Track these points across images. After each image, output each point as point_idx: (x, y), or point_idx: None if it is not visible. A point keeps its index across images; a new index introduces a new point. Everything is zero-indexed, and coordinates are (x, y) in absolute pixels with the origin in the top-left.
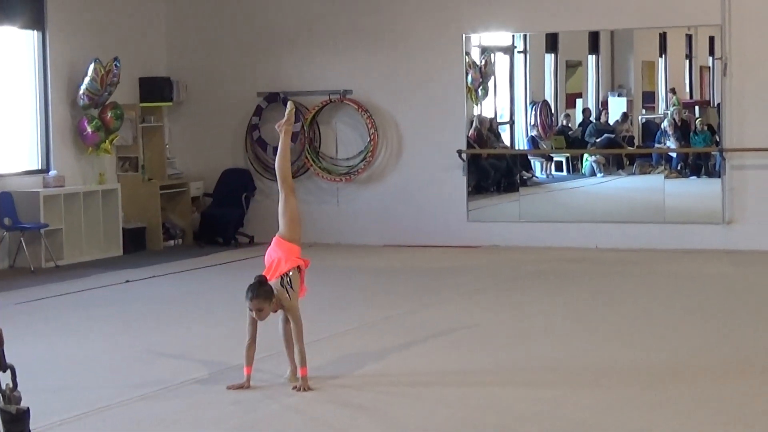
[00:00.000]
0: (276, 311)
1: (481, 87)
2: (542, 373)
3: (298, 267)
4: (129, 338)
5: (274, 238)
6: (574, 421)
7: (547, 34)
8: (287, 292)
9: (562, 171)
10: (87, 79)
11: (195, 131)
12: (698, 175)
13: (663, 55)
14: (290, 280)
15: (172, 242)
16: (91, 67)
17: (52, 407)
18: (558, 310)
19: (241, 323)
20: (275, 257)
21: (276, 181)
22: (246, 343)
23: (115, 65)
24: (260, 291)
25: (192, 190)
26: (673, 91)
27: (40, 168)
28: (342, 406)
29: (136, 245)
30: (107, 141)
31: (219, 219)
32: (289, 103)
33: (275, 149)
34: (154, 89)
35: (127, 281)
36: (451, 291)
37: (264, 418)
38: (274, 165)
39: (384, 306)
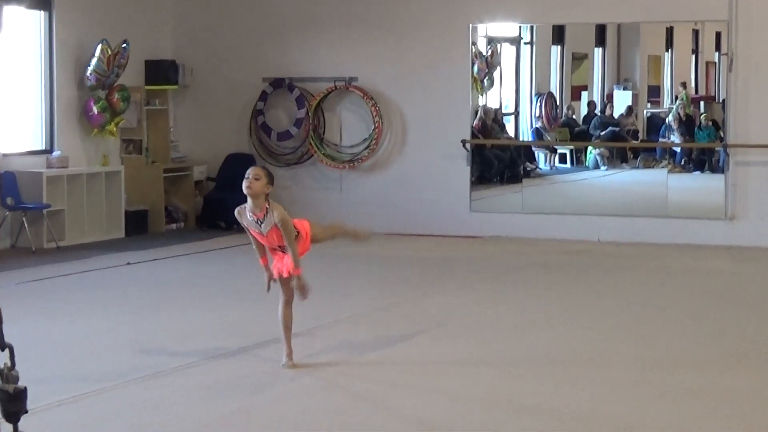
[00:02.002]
0: (264, 211)
1: (486, 77)
2: (542, 364)
3: (298, 232)
4: (128, 321)
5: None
6: (573, 411)
7: (553, 26)
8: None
9: (565, 163)
10: (94, 60)
11: (199, 115)
12: (702, 171)
13: (669, 50)
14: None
15: (174, 225)
16: (99, 48)
17: (50, 388)
18: (558, 301)
19: (238, 309)
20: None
21: (279, 166)
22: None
23: (124, 47)
24: (262, 166)
25: (195, 174)
26: (684, 85)
27: (44, 148)
28: (339, 393)
29: (139, 228)
30: (112, 123)
31: (221, 203)
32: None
33: (279, 135)
34: (160, 72)
35: (129, 263)
36: (453, 281)
37: (260, 403)
38: (277, 152)
39: (385, 294)
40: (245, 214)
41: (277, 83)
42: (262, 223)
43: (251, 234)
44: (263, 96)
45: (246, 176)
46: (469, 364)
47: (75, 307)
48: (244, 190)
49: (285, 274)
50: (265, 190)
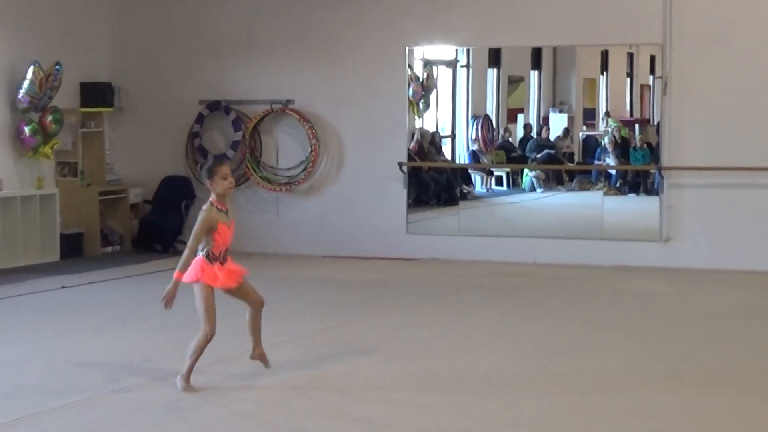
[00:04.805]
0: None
1: (422, 100)
2: (479, 387)
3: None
4: (63, 344)
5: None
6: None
7: (490, 49)
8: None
9: (502, 186)
10: (26, 83)
11: (136, 137)
12: (637, 193)
13: (604, 73)
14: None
15: (110, 248)
16: (30, 70)
17: None
18: (495, 324)
19: (175, 332)
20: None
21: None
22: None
23: (56, 69)
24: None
25: (131, 197)
26: (608, 114)
27: None
28: (249, 421)
29: (74, 251)
30: (47, 146)
31: (158, 226)
32: None
33: (216, 157)
34: (95, 94)
35: (63, 287)
36: (389, 303)
37: (186, 429)
38: None
39: (321, 317)
40: (213, 209)
41: (214, 105)
42: (227, 213)
43: (212, 236)
44: (200, 118)
45: (227, 174)
46: (404, 385)
47: (9, 332)
48: (227, 188)
49: (233, 284)
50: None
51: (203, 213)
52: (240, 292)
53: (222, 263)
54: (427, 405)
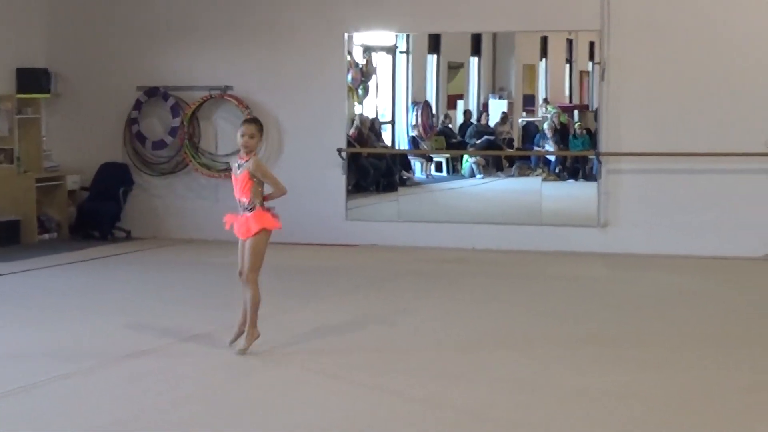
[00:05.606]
0: (247, 158)
1: (362, 86)
2: (415, 373)
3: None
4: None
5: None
6: (447, 418)
7: (429, 35)
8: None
9: (441, 172)
10: None
11: (73, 124)
12: (575, 179)
13: (544, 59)
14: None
15: (47, 236)
16: None
17: None
18: (434, 309)
19: (112, 319)
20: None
21: (154, 175)
22: None
23: None
24: (254, 120)
25: (69, 184)
26: (547, 100)
27: None
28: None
29: (10, 239)
30: None
31: (95, 213)
32: None
33: (154, 143)
34: (32, 80)
35: (0, 275)
36: (327, 289)
37: (133, 416)
38: (152, 161)
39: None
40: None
41: (152, 92)
42: (241, 166)
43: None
44: (138, 105)
45: (242, 134)
46: (337, 372)
47: None
48: (241, 144)
49: (243, 237)
50: (258, 144)
51: None
52: (241, 249)
53: (241, 213)
54: (358, 392)
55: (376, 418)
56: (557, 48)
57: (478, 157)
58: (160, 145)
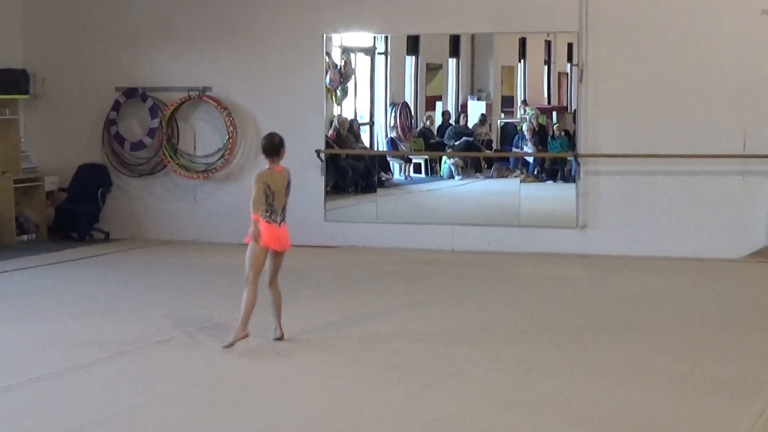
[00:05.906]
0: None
1: (340, 87)
2: (394, 373)
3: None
4: None
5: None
6: (425, 420)
7: (408, 37)
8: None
9: (420, 173)
10: None
11: (51, 125)
12: (554, 180)
13: (522, 61)
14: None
15: (25, 237)
16: None
17: None
18: (412, 310)
19: (91, 320)
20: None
21: (133, 177)
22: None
23: None
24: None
25: (47, 185)
26: (525, 102)
27: None
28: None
29: None
30: None
31: (74, 214)
32: None
33: (132, 145)
34: (10, 81)
35: None
36: (306, 290)
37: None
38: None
39: (237, 306)
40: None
41: (130, 93)
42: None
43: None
44: (116, 106)
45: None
46: (318, 372)
47: None
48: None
49: (279, 248)
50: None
51: None
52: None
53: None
54: (340, 392)
55: (355, 416)
56: (536, 50)
57: (456, 159)
58: (138, 146)
